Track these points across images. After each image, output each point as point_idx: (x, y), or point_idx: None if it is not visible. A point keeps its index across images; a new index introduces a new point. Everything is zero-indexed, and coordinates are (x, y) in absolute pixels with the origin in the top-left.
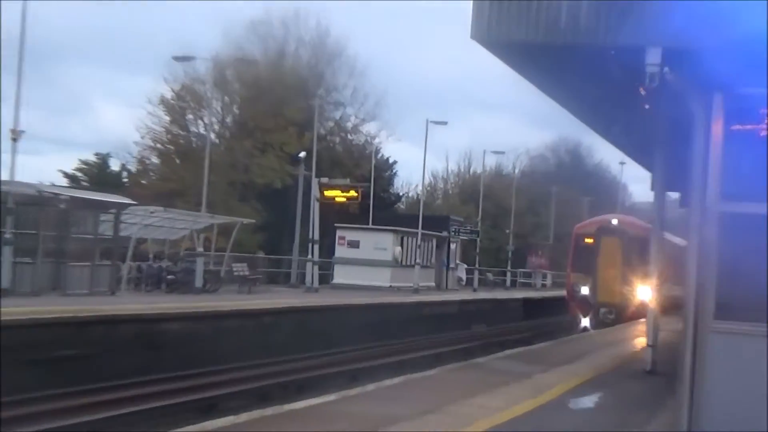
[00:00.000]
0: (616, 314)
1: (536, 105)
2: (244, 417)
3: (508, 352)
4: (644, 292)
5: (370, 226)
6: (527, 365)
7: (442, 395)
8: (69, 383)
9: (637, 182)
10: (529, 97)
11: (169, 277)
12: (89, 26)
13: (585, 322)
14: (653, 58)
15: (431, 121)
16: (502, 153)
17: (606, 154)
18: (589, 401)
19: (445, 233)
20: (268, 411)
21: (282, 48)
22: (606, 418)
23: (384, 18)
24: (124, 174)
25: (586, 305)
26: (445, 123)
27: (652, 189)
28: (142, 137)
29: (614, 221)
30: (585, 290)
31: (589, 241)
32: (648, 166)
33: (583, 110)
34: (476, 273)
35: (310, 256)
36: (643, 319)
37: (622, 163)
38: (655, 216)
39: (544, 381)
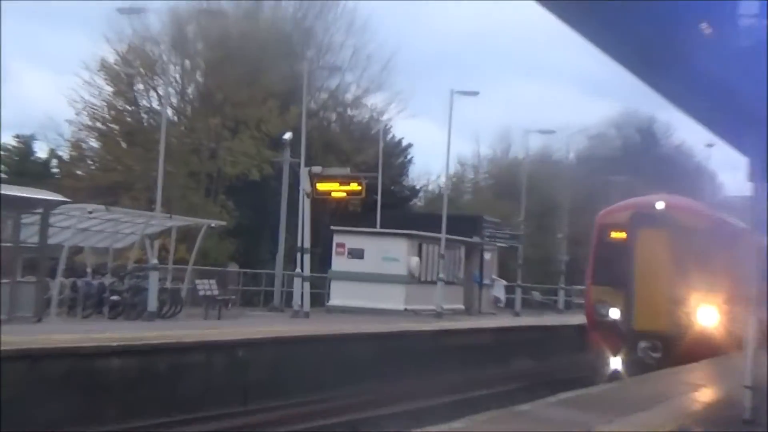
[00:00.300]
0: (664, 350)
1: (596, 69)
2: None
3: (561, 396)
4: (708, 314)
5: (378, 229)
6: (585, 413)
7: None
8: None
9: (729, 170)
10: (586, 59)
11: (113, 298)
12: None
13: (615, 363)
14: (747, 8)
15: (457, 92)
16: (551, 132)
17: (689, 134)
18: None
19: (476, 239)
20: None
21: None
22: None
23: None
24: (54, 162)
25: (616, 336)
26: (476, 93)
27: (750, 179)
28: (77, 114)
29: (660, 204)
30: (614, 313)
31: (619, 236)
32: (745, 150)
33: (658, 75)
34: (518, 291)
35: (298, 270)
36: (707, 359)
37: (709, 146)
38: (753, 213)
39: None
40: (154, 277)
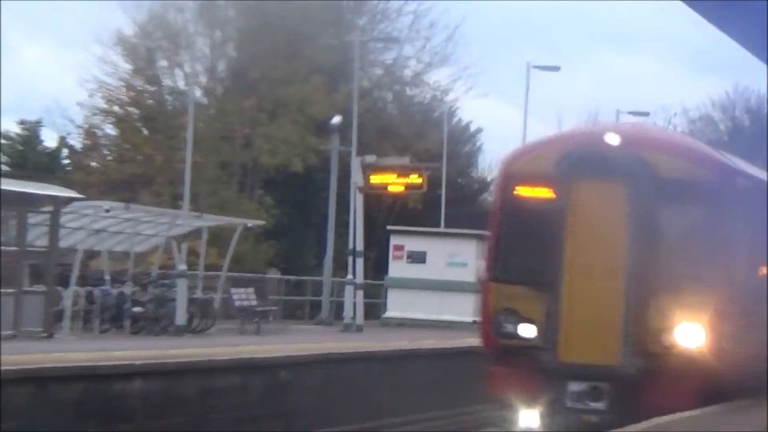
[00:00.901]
0: (614, 398)
1: (698, 41)
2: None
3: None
4: (699, 334)
5: (442, 229)
6: None
7: None
8: None
9: None
10: (687, 29)
11: (134, 309)
12: None
13: (527, 416)
14: None
15: (534, 66)
16: (646, 114)
17: None
18: None
19: None
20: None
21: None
22: None
23: None
24: (64, 152)
25: (532, 372)
26: (557, 69)
27: None
28: (90, 96)
29: (612, 137)
30: (527, 331)
31: (539, 194)
32: None
33: None
34: None
35: (349, 277)
36: (693, 409)
37: None
38: None
39: None
40: (182, 286)
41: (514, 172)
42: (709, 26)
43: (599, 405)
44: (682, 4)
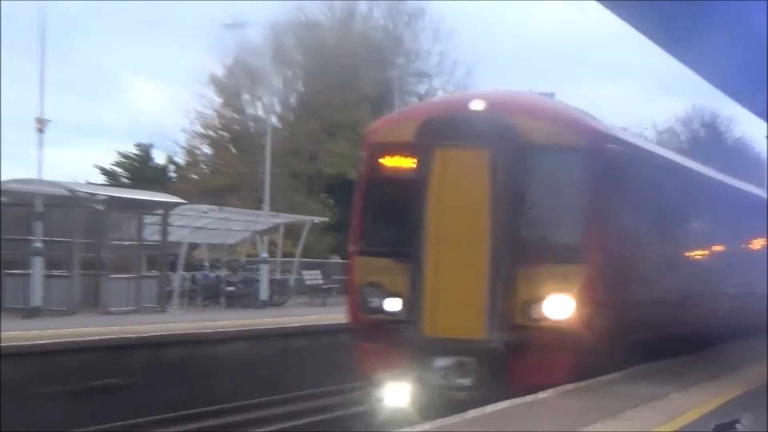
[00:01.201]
0: (480, 373)
1: (664, 69)
2: (551, 391)
3: (639, 368)
4: (569, 307)
5: None
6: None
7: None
8: (107, 418)
9: None
10: (654, 60)
11: (228, 288)
12: None
13: (394, 393)
14: None
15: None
16: (623, 130)
17: (749, 127)
18: (736, 425)
19: None
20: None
21: (351, 8)
22: None
23: None
24: (171, 168)
25: (397, 347)
26: (553, 94)
27: None
28: (191, 123)
29: (477, 104)
30: (392, 305)
31: (402, 164)
32: None
33: (721, 74)
34: None
35: None
36: (564, 384)
37: None
38: None
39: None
40: (264, 270)
41: (377, 142)
42: (674, 59)
43: (466, 381)
44: (652, 43)
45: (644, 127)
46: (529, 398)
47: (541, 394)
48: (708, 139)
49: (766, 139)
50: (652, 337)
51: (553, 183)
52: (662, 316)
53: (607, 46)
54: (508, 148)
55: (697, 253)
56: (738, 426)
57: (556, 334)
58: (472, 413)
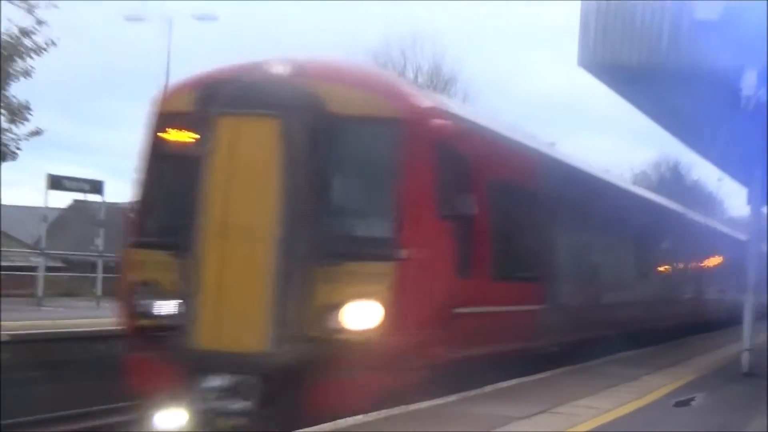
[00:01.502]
0: (260, 395)
1: (639, 124)
2: (372, 416)
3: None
4: (376, 314)
5: None
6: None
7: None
8: None
9: (732, 198)
10: (632, 117)
11: None
12: None
13: (164, 418)
14: (750, 80)
15: None
16: (606, 172)
17: (704, 171)
18: (691, 402)
19: None
20: (395, 410)
21: (402, 74)
22: (707, 418)
23: (492, 42)
24: None
25: (167, 360)
26: (553, 144)
27: (749, 203)
28: None
29: (272, 67)
30: (162, 308)
31: (182, 138)
32: (745, 182)
33: (681, 129)
34: None
35: None
36: (363, 412)
37: (719, 180)
38: (751, 228)
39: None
40: None
41: (159, 113)
42: (645, 117)
43: (245, 404)
44: (629, 105)
45: (623, 170)
46: (532, 378)
47: (546, 374)
48: (671, 180)
49: (717, 181)
50: (496, 352)
51: (361, 162)
52: (506, 326)
53: (591, 103)
54: (306, 119)
55: (556, 251)
56: (692, 403)
57: (360, 348)
58: (489, 389)
